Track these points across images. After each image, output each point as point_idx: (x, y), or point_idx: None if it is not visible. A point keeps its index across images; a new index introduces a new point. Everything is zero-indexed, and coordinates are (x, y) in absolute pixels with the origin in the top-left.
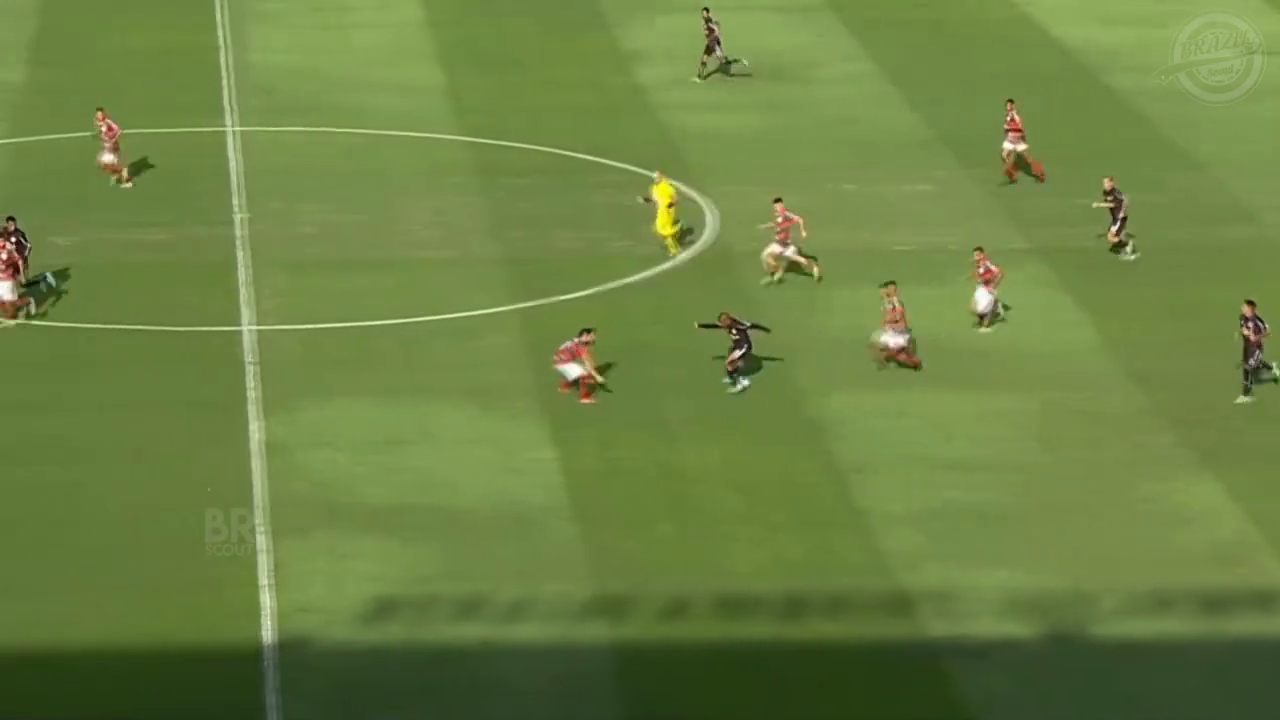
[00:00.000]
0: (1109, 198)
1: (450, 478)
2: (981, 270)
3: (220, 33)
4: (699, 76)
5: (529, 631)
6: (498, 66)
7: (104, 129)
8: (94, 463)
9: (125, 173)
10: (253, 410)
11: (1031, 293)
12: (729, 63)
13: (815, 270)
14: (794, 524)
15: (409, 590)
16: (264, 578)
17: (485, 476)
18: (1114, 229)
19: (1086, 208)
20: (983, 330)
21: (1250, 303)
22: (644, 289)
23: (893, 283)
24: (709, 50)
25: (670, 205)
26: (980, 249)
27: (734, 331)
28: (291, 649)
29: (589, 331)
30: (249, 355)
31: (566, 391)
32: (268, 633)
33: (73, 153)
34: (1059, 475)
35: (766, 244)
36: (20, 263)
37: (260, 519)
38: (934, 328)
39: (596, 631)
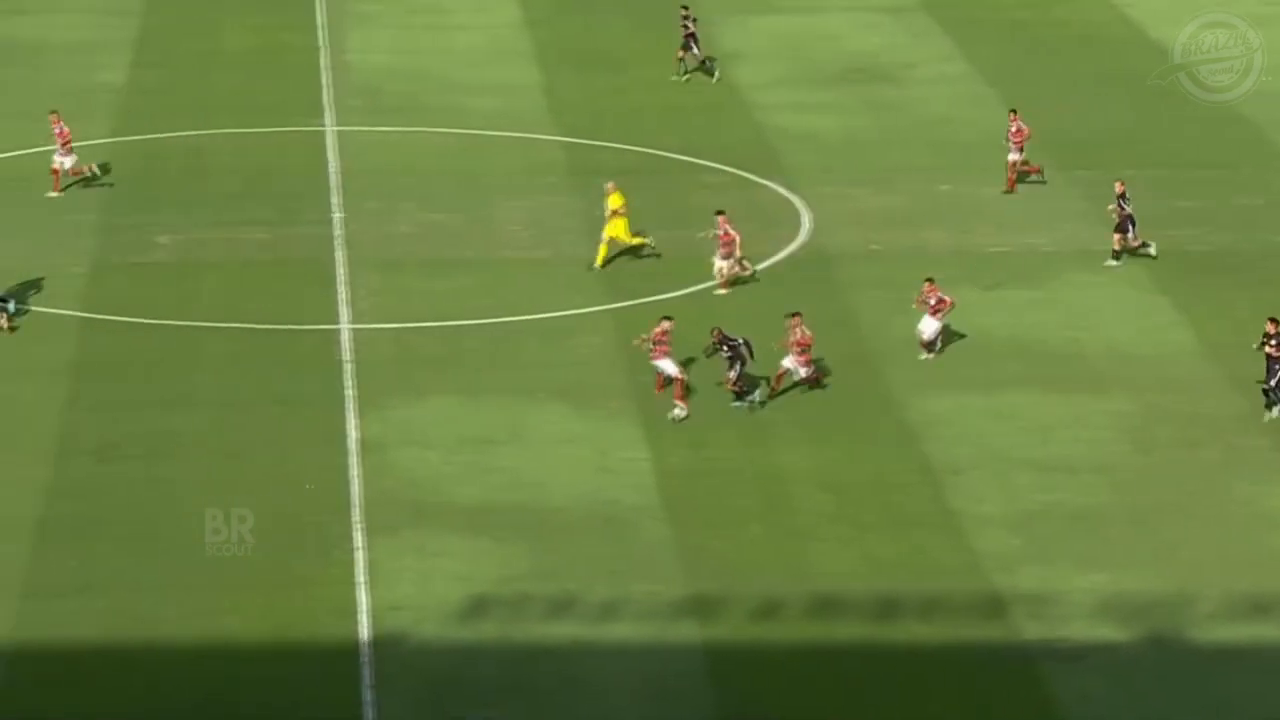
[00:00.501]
0: (1121, 203)
1: (541, 477)
2: (933, 300)
3: (319, 33)
4: (677, 75)
5: (620, 631)
6: (594, 66)
7: (56, 131)
8: (195, 459)
9: (90, 168)
10: (349, 409)
11: (1129, 295)
12: (707, 60)
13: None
14: (886, 525)
15: (500, 589)
16: (358, 575)
17: (576, 476)
18: (1129, 234)
19: (1184, 209)
20: (924, 357)
21: (1274, 320)
22: (738, 290)
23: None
24: (685, 48)
25: (614, 214)
26: (930, 279)
27: (725, 348)
28: (385, 646)
29: (668, 319)
30: (345, 354)
31: (661, 392)
32: (362, 630)
33: (174, 152)
34: (1155, 478)
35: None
36: None
37: (355, 517)
38: (1030, 330)
39: (687, 632)
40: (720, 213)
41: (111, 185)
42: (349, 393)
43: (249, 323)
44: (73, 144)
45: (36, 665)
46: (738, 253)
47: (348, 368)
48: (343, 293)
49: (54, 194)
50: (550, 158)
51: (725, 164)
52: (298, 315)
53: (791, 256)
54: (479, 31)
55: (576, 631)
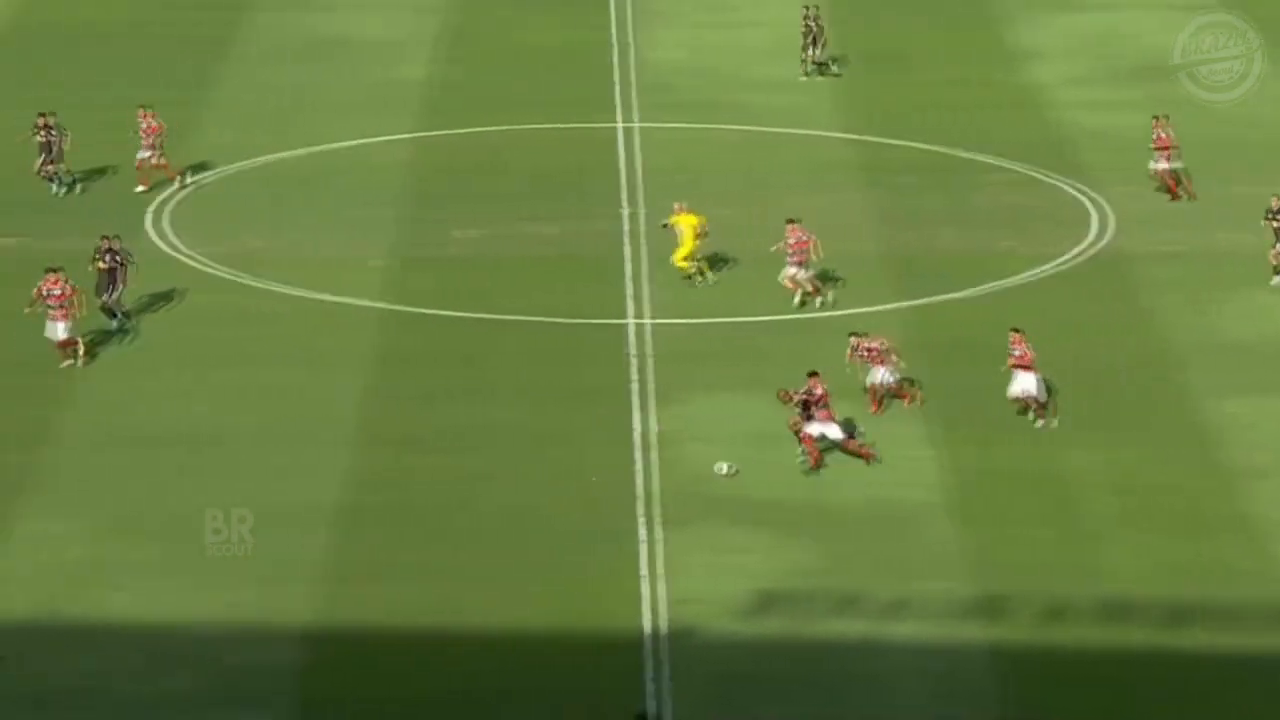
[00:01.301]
0: (1275, 217)
1: (828, 474)
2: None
3: (614, 30)
4: (805, 74)
5: (907, 630)
6: (885, 64)
7: (144, 126)
8: (490, 451)
9: (173, 172)
10: (637, 403)
11: None
12: (829, 62)
13: (822, 298)
14: (1179, 529)
15: (788, 585)
16: (648, 569)
17: (863, 474)
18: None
19: None
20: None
21: None
22: (1029, 290)
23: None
24: (807, 46)
25: (698, 237)
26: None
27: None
28: (673, 639)
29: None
30: (634, 348)
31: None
32: (650, 622)
33: (472, 148)
34: None
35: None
36: (76, 298)
37: (643, 511)
38: None
39: (974, 632)
40: (791, 221)
41: (197, 187)
42: (636, 387)
43: (543, 316)
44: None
45: (338, 649)
46: (815, 257)
47: (635, 362)
48: (631, 288)
49: (186, 182)
50: (838, 155)
51: (1015, 162)
52: (588, 310)
53: (1085, 255)
54: (770, 28)
55: (864, 629)
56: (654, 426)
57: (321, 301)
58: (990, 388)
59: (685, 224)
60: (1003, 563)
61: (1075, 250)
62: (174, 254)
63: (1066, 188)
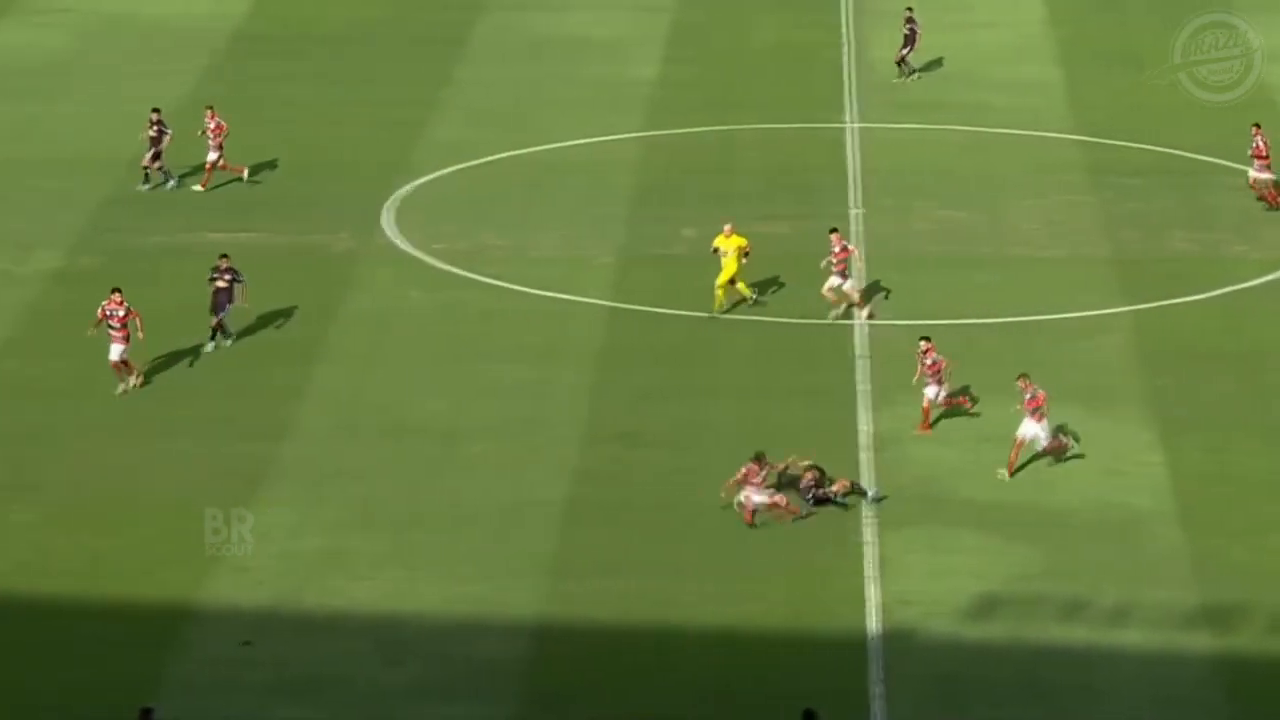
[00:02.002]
0: None
1: (1053, 477)
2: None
3: (844, 30)
4: (904, 77)
5: (1132, 637)
6: (1118, 64)
7: (212, 126)
8: (708, 448)
9: (245, 170)
10: (861, 403)
11: None
12: (905, 65)
13: (865, 310)
14: None
15: (1010, 588)
16: (869, 568)
17: (1089, 478)
18: None
19: None
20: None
21: None
22: (1262, 293)
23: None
24: (904, 47)
25: (745, 255)
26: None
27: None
28: (895, 639)
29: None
30: (860, 349)
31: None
32: (872, 622)
33: (701, 147)
34: None
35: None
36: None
37: (868, 511)
38: None
39: (1201, 640)
40: (834, 230)
41: (259, 183)
42: (861, 387)
43: (767, 315)
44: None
45: (562, 643)
46: (856, 269)
47: (861, 363)
48: (859, 288)
49: (251, 178)
50: (1068, 156)
51: (1247, 164)
52: (815, 309)
53: None
54: (1005, 29)
55: (1088, 635)
56: (880, 427)
57: (550, 299)
58: (1222, 392)
59: (731, 246)
60: (1232, 570)
61: None
62: (408, 250)
63: None
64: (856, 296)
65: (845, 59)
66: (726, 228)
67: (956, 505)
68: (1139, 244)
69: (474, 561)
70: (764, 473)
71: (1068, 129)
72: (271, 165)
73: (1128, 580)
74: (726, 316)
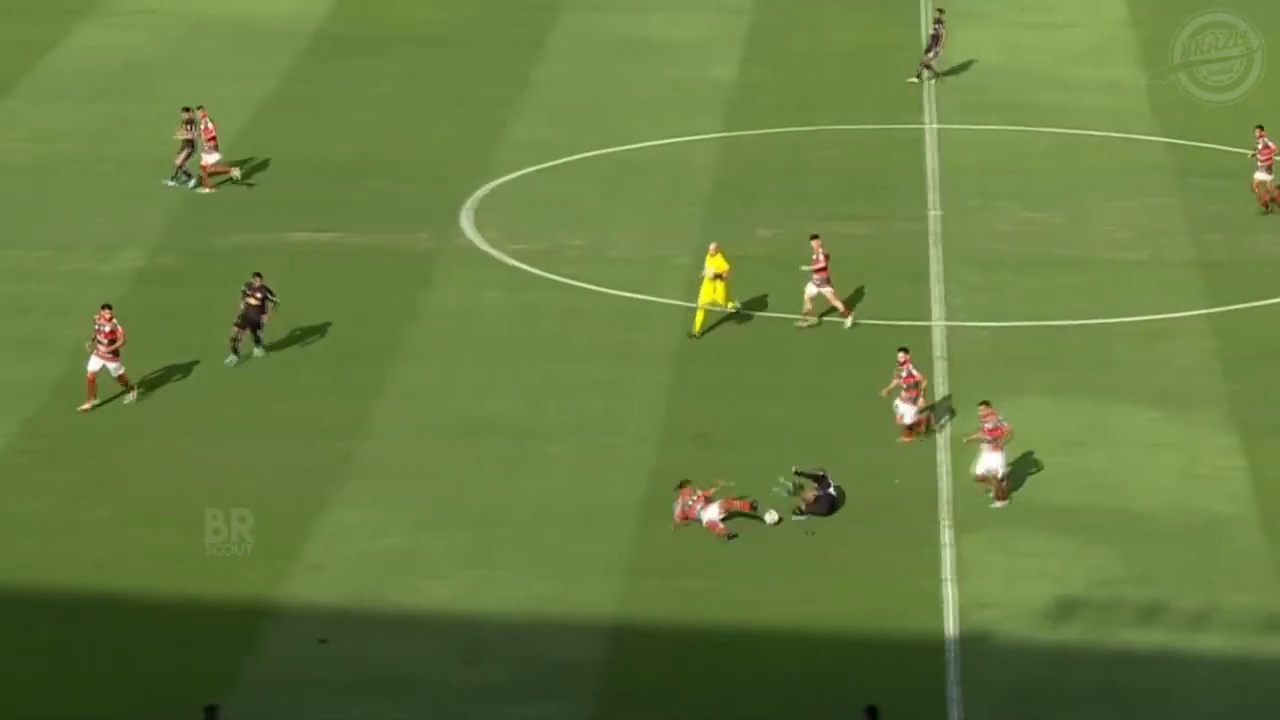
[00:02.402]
0: None
1: (1132, 481)
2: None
3: (923, 31)
4: (928, 78)
5: (1211, 642)
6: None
7: (203, 128)
8: (783, 448)
9: (235, 171)
10: (940, 404)
11: None
12: (927, 70)
13: (849, 320)
14: None
15: (1089, 592)
16: (946, 571)
17: (1169, 482)
18: None
19: None
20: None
21: None
22: None
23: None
24: (930, 50)
25: (716, 277)
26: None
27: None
28: (972, 642)
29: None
30: (938, 350)
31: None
32: (949, 625)
33: (779, 147)
34: None
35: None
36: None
37: (945, 513)
38: None
39: None
40: (816, 237)
41: (252, 185)
42: (940, 389)
43: (843, 318)
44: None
45: (639, 643)
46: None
47: (940, 364)
48: (937, 289)
49: (206, 190)
50: (1152, 158)
51: None
52: (893, 311)
53: None
54: (1086, 29)
55: (1166, 639)
56: (956, 430)
57: (628, 299)
58: None
59: (714, 267)
60: None
61: None
62: (487, 250)
63: None
64: (839, 304)
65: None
66: (712, 246)
67: (1034, 508)
68: (1222, 247)
69: (551, 561)
70: (696, 494)
71: (1152, 130)
72: (353, 165)
73: (1207, 585)
74: (798, 317)
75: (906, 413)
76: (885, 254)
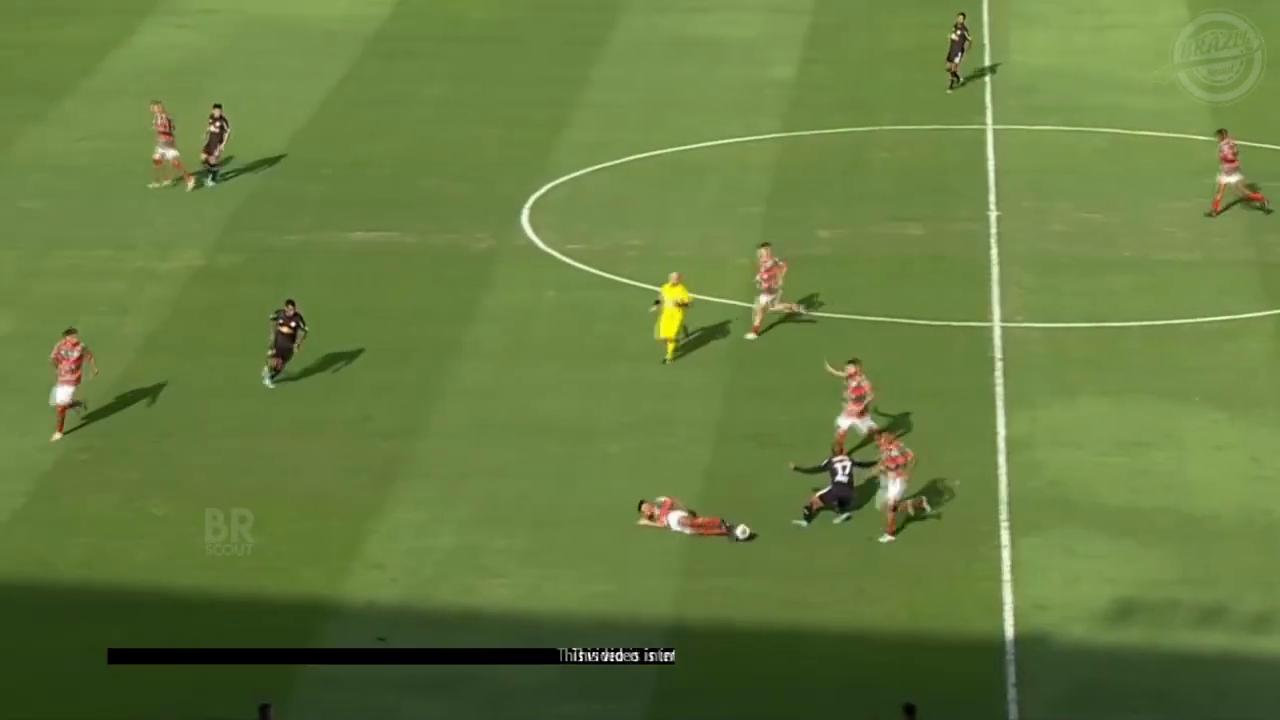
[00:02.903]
0: None
1: (1193, 482)
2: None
3: (983, 32)
4: (952, 88)
5: (1272, 644)
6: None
7: (159, 121)
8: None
9: (184, 170)
10: (998, 406)
11: None
12: (955, 75)
13: (753, 334)
14: None
15: (1148, 593)
16: (1004, 572)
17: (1230, 483)
18: None
19: None
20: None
21: None
22: None
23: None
24: (951, 56)
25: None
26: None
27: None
28: (1030, 644)
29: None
30: (996, 351)
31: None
32: (1007, 627)
33: (838, 147)
34: None
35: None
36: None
37: (1003, 514)
38: None
39: None
40: (765, 245)
41: (214, 185)
42: (998, 390)
43: (902, 317)
44: (173, 136)
45: (693, 642)
46: (779, 286)
47: (998, 365)
48: (996, 290)
49: (155, 185)
50: (1208, 159)
51: None
52: (950, 311)
53: None
54: (1141, 31)
55: (1227, 641)
56: (1016, 431)
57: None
58: None
59: (672, 297)
60: None
61: None
62: (545, 250)
63: None
64: (793, 306)
65: (983, 60)
66: (673, 276)
67: (1091, 509)
68: None
69: (607, 560)
70: (654, 511)
71: (1209, 131)
72: (411, 165)
73: (1270, 587)
74: (859, 318)
75: (843, 423)
76: (944, 255)
